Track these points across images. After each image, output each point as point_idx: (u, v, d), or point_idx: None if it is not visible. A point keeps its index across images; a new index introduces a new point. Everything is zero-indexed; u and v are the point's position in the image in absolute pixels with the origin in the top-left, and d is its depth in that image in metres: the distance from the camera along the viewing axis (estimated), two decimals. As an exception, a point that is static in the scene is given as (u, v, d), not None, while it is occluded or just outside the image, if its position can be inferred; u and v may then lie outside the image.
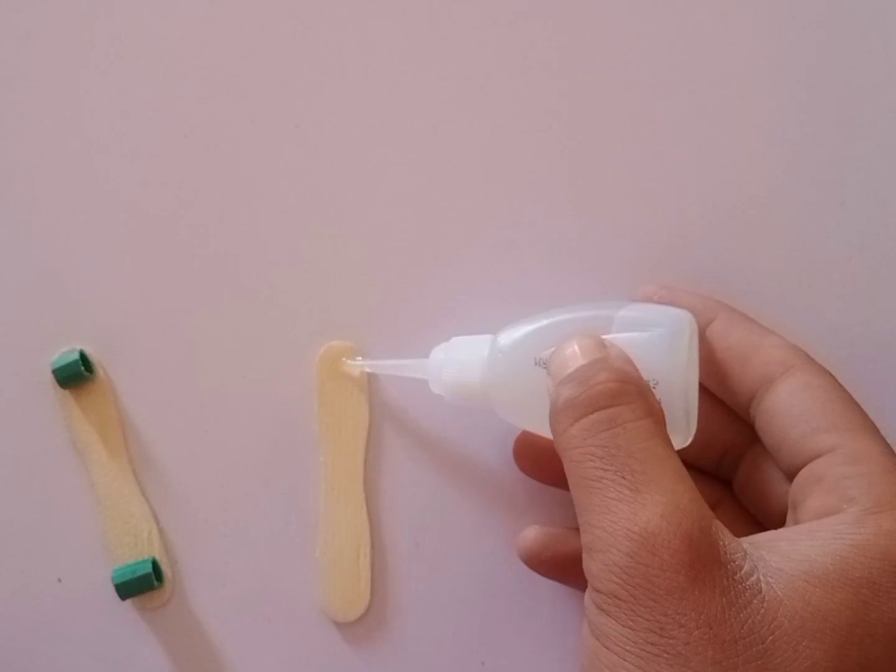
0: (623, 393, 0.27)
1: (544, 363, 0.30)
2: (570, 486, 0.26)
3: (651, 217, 0.35)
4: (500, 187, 0.35)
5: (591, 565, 0.25)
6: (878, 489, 0.26)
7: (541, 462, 0.34)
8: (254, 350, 0.35)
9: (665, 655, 0.24)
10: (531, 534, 0.33)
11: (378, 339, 0.35)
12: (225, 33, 0.36)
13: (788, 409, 0.29)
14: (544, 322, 0.31)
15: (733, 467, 0.33)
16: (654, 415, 0.27)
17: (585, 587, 0.31)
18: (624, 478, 0.25)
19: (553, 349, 0.29)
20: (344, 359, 0.35)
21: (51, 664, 0.35)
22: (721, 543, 0.25)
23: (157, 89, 0.36)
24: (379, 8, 0.36)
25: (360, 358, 0.35)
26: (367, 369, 0.35)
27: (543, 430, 0.29)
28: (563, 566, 0.33)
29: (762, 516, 0.31)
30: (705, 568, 0.24)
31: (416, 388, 0.34)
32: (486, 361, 0.31)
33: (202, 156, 0.36)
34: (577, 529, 0.31)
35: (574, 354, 0.28)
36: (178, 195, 0.36)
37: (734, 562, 0.24)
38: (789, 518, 0.29)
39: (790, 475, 0.29)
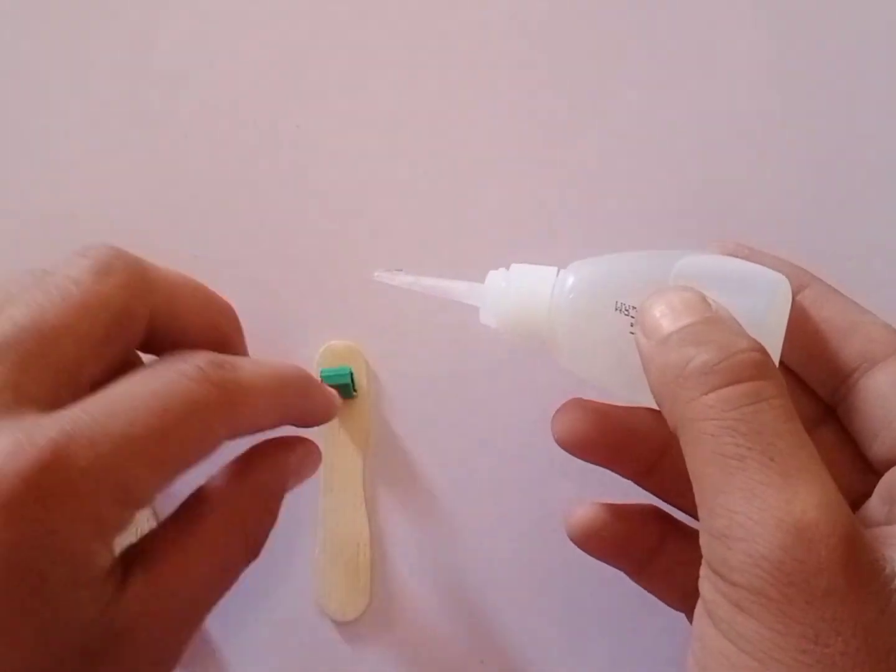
0: (765, 365, 0.24)
1: (627, 310, 0.27)
2: (696, 462, 0.24)
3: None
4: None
5: (727, 555, 0.22)
6: None
7: (594, 432, 0.30)
8: (254, 349, 0.35)
9: (818, 666, 0.21)
10: (586, 511, 0.31)
11: (382, 338, 0.35)
12: (224, 32, 0.36)
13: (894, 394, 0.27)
14: (625, 263, 0.28)
15: None
16: (787, 393, 0.24)
17: (639, 571, 0.30)
18: (772, 460, 0.22)
19: (647, 297, 0.26)
20: (377, 271, 0.31)
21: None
22: (867, 542, 0.22)
23: (158, 90, 0.36)
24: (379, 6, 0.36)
25: (399, 270, 0.31)
26: (402, 284, 0.30)
27: (611, 383, 0.28)
28: (622, 547, 0.31)
29: None
30: (861, 569, 0.22)
31: (419, 383, 0.34)
32: (554, 298, 0.28)
33: (202, 155, 0.36)
34: (628, 506, 0.30)
35: (676, 309, 0.25)
36: (179, 193, 0.36)
37: (878, 562, 0.22)
38: (880, 511, 0.27)
39: (883, 463, 0.28)
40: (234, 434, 0.27)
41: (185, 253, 0.35)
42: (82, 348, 0.25)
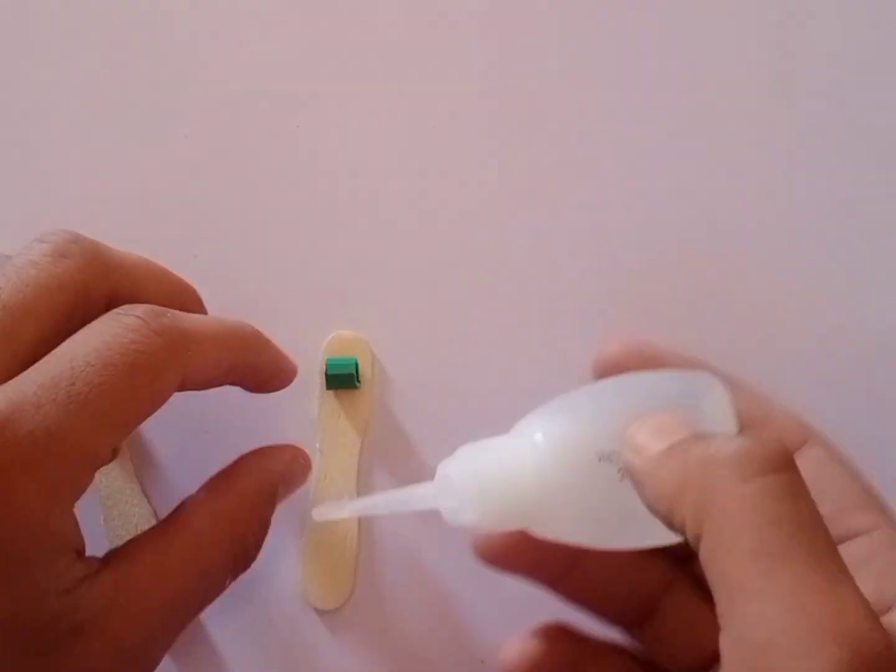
0: (792, 458, 0.22)
1: (609, 456, 0.25)
2: (727, 563, 0.21)
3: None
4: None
5: None
6: None
7: (513, 550, 0.29)
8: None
9: None
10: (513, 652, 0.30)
11: (387, 332, 0.35)
12: (224, 32, 0.36)
13: (817, 482, 0.25)
14: (587, 408, 0.26)
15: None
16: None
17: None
18: (818, 562, 0.20)
19: (629, 429, 0.25)
20: (318, 508, 0.31)
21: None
22: None
23: (157, 89, 0.36)
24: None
25: (341, 502, 0.30)
26: (352, 513, 0.30)
27: (607, 540, 0.26)
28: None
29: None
30: None
31: (425, 377, 0.34)
32: (537, 471, 0.25)
33: (202, 155, 0.36)
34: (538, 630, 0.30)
35: (668, 427, 0.24)
36: (179, 193, 0.36)
37: None
38: None
39: None
40: (185, 383, 0.27)
41: (185, 253, 0.35)
42: (41, 328, 0.25)
